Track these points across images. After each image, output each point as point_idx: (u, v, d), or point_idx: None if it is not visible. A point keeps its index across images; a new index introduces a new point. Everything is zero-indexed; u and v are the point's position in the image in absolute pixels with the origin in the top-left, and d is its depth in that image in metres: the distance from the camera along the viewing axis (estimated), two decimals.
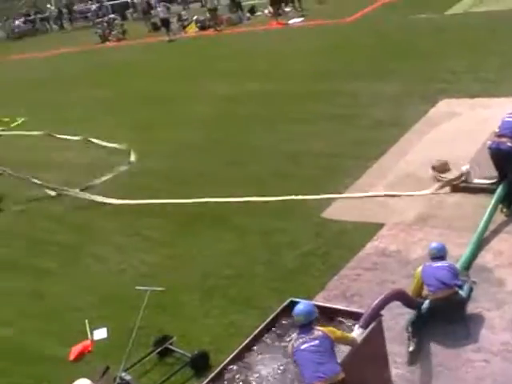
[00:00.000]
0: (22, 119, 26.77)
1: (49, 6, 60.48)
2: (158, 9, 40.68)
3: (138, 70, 31.17)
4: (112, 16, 47.16)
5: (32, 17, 61.46)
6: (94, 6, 55.17)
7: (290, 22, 34.79)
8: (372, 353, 7.84)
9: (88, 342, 10.92)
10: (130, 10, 52.59)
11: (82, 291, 12.67)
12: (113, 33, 43.57)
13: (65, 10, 57.58)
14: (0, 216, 17.40)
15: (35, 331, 11.80)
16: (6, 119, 27.04)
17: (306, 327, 7.37)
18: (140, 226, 14.69)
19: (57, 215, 16.53)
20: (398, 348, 8.68)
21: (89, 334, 11.11)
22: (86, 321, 11.37)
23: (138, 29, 44.23)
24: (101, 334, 11.10)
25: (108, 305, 11.98)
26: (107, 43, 42.93)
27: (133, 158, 19.12)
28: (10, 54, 48.24)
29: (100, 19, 47.68)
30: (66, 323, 11.73)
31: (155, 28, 42.71)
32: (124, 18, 50.12)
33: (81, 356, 10.65)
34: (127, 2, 53.17)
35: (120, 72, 31.81)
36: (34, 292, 13.07)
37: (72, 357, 10.63)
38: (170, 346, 9.93)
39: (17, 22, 61.49)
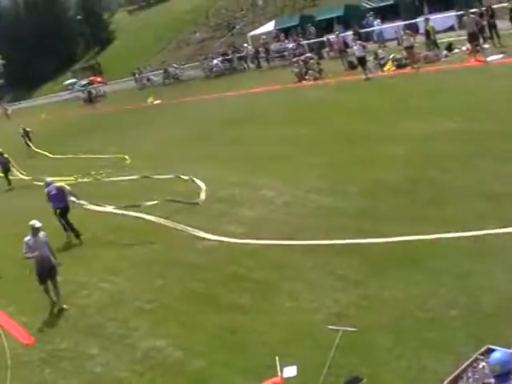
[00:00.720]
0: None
1: (246, 45, 62.09)
2: (355, 47, 40.77)
3: (333, 109, 31.30)
4: (308, 55, 47.72)
5: (230, 56, 63.21)
6: (290, 45, 56.00)
7: (489, 58, 33.82)
8: None
9: (278, 379, 10.93)
10: (327, 49, 52.94)
11: (274, 327, 12.79)
12: (309, 72, 43.90)
13: (262, 49, 58.62)
14: (198, 251, 17.94)
15: (226, 364, 12.05)
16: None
17: (502, 377, 7.06)
18: (334, 264, 14.65)
19: (253, 251, 16.84)
20: None
21: (279, 370, 11.14)
22: (277, 357, 11.44)
23: (334, 67, 44.52)
24: (291, 371, 11.09)
25: (299, 342, 11.99)
26: (304, 82, 43.39)
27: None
28: (209, 93, 49.94)
29: (296, 58, 48.31)
30: (255, 358, 11.88)
31: (352, 66, 42.78)
32: (320, 56, 50.58)
33: None
34: (323, 40, 53.64)
35: (316, 110, 32.03)
36: (228, 326, 13.33)
37: None
38: None
39: (215, 61, 63.52)
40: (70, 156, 38.61)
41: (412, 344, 10.93)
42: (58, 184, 22.36)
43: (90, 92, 78.87)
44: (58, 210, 21.29)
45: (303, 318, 12.84)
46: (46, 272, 16.23)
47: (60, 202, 21.30)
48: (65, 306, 16.46)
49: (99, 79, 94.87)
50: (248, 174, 23.45)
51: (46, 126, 62.52)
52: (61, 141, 48.38)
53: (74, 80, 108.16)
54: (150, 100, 56.80)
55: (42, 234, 16.47)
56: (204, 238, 18.37)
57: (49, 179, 22.75)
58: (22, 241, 16.38)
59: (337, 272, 14.28)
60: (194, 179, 24.21)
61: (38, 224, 16.43)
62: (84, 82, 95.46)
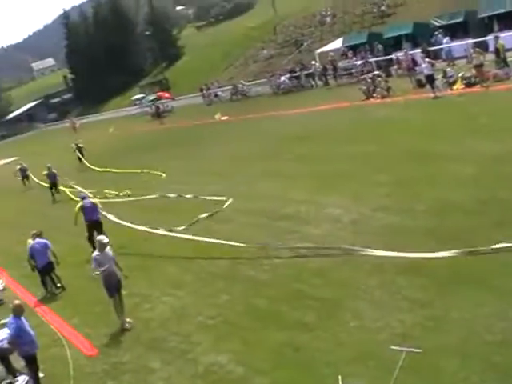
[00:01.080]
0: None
1: (313, 62, 62.04)
2: (423, 65, 40.32)
3: (401, 127, 30.91)
4: (376, 73, 47.38)
5: (297, 73, 63.16)
6: (358, 63, 55.74)
7: None
8: None
9: None
10: (395, 67, 52.59)
11: (337, 346, 12.67)
12: (377, 89, 43.58)
13: (329, 67, 58.38)
14: (263, 267, 17.88)
15: (288, 383, 11.98)
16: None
17: None
18: (400, 284, 14.45)
19: (318, 269, 16.68)
20: None
21: None
22: (340, 377, 11.32)
23: (402, 85, 44.15)
24: None
25: (362, 362, 11.85)
26: (371, 100, 43.07)
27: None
28: (276, 109, 49.97)
29: (364, 76, 48.02)
30: (318, 377, 11.80)
31: (420, 85, 42.35)
32: (388, 74, 50.21)
33: None
34: (392, 58, 53.32)
35: (383, 128, 31.69)
36: (291, 343, 13.25)
37: None
38: None
39: (282, 78, 63.57)
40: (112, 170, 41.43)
41: (478, 367, 10.70)
42: (93, 199, 24.67)
43: (157, 107, 79.82)
44: (88, 223, 23.01)
45: (367, 337, 12.68)
46: (113, 286, 16.39)
47: (92, 215, 23.10)
48: (128, 320, 16.56)
49: (167, 94, 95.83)
50: (314, 192, 23.35)
51: (113, 140, 63.55)
52: (125, 154, 49.42)
53: (142, 95, 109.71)
54: (217, 116, 57.11)
55: (108, 248, 16.65)
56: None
57: (83, 194, 25.17)
58: (90, 257, 16.68)
59: (402, 291, 14.08)
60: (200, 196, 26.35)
61: (105, 240, 16.72)
62: (152, 97, 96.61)
